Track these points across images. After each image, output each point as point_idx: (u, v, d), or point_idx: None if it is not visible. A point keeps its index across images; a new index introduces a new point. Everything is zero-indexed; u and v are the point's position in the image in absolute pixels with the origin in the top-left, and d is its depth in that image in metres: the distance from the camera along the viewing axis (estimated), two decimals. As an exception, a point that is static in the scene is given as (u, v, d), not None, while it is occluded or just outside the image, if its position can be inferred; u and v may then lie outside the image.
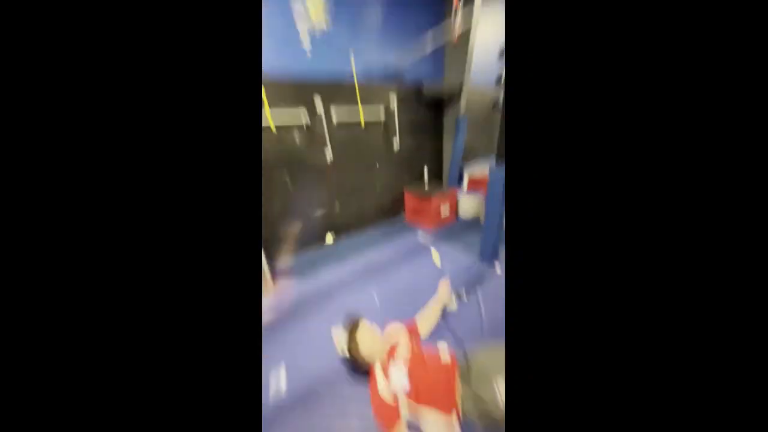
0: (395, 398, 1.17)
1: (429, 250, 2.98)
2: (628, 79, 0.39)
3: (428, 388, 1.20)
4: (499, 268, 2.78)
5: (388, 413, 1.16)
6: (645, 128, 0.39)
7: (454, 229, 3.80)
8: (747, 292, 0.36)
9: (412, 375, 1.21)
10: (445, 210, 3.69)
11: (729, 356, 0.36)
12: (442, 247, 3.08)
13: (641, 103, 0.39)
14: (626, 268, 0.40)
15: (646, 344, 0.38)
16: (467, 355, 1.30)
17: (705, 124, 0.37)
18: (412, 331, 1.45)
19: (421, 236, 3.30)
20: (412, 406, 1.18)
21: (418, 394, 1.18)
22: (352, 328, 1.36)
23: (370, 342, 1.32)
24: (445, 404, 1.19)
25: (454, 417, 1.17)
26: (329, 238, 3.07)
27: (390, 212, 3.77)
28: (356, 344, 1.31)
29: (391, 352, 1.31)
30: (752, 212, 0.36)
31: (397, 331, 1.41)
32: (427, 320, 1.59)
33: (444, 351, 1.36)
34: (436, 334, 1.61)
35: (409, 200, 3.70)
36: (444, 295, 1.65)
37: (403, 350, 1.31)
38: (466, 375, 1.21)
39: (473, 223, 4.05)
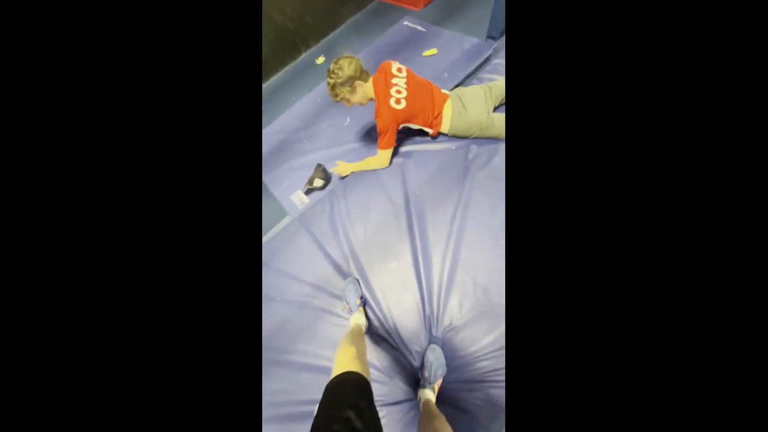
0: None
1: (420, 36, 2.36)
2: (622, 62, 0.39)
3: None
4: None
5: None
6: (645, 117, 0.39)
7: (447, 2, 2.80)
8: (751, 287, 0.35)
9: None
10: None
11: (729, 355, 0.35)
12: (433, 29, 2.41)
13: (640, 89, 0.39)
14: (625, 255, 0.39)
15: (648, 316, 0.37)
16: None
17: (702, 122, 0.37)
18: None
19: (407, 20, 2.58)
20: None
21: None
22: None
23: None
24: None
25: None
26: (320, 59, 2.64)
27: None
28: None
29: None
30: (756, 202, 0.36)
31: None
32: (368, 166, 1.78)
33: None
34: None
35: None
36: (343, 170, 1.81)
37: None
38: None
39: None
